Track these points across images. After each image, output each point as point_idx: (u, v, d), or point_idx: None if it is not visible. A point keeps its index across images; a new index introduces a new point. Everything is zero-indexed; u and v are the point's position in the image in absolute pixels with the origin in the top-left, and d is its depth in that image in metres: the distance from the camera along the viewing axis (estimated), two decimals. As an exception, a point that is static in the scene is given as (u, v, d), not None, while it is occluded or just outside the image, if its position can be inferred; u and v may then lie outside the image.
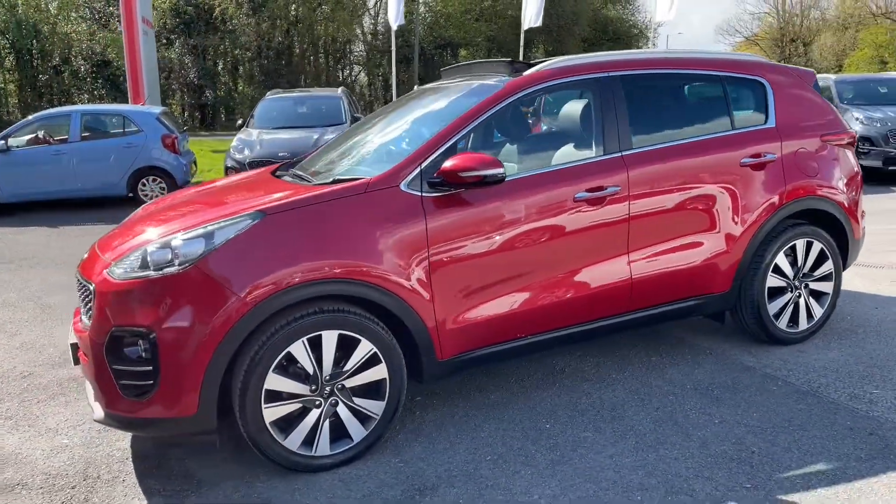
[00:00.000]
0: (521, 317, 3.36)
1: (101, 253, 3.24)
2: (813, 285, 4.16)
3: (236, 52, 30.68)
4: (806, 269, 4.11)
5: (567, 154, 3.58)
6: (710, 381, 3.72)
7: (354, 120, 10.80)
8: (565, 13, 32.70)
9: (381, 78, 35.20)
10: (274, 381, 2.89)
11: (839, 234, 4.21)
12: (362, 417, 3.07)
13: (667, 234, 3.66)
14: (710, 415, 3.35)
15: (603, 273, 3.52)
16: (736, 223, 3.82)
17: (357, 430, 3.07)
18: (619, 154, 3.54)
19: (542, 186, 3.34)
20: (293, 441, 2.97)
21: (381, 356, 3.05)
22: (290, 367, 2.93)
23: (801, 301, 4.13)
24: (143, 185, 10.65)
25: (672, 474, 2.87)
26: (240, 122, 10.88)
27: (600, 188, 3.45)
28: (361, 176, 3.24)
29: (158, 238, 3.00)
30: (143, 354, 2.83)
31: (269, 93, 11.69)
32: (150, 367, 2.82)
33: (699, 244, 3.77)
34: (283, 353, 2.88)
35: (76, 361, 3.19)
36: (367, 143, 3.96)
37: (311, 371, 2.95)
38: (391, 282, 3.04)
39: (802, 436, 3.12)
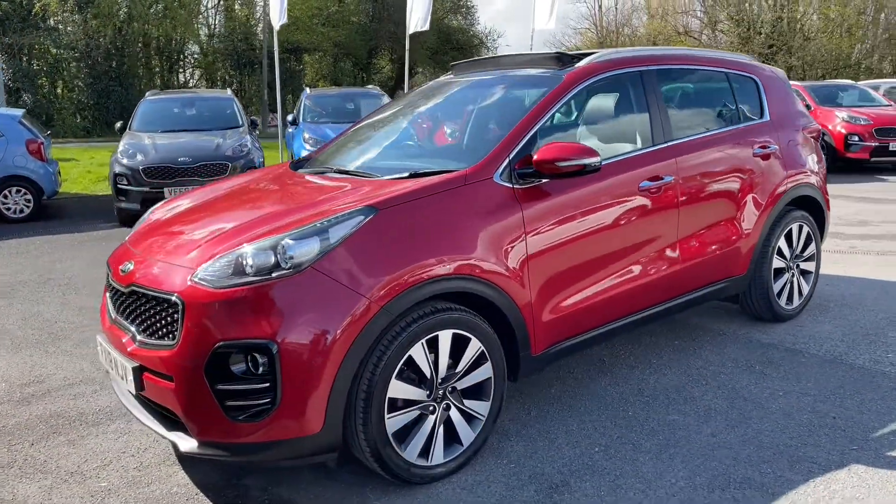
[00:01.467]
0: (600, 305, 3.37)
1: (162, 259, 2.82)
2: (802, 265, 4.55)
3: (57, 52, 27.82)
4: (798, 251, 4.49)
5: (622, 144, 3.65)
6: (746, 359, 3.95)
7: (253, 123, 10.24)
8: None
9: (220, 83, 33.55)
10: (395, 389, 2.68)
11: (819, 218, 4.65)
12: (470, 420, 2.93)
13: (705, 220, 3.85)
14: (770, 388, 3.56)
15: (663, 258, 3.63)
16: (753, 210, 4.10)
17: (466, 434, 2.92)
18: (667, 144, 3.67)
19: (614, 175, 3.38)
20: (411, 452, 2.77)
21: (487, 354, 2.92)
22: (406, 373, 2.73)
23: (794, 280, 4.51)
24: (6, 197, 9.38)
25: (781, 444, 3.01)
26: (118, 125, 9.90)
27: (658, 177, 3.56)
28: (438, 169, 3.10)
29: (251, 239, 2.67)
30: (260, 370, 2.50)
31: (148, 93, 10.76)
32: (268, 384, 2.49)
33: (728, 229, 3.99)
34: (405, 357, 2.68)
35: (140, 388, 2.74)
36: (414, 136, 3.78)
37: (427, 375, 2.77)
38: (498, 276, 2.93)
39: (862, 399, 3.41)
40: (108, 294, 3.16)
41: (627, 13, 51.10)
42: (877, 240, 6.96)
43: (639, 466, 2.90)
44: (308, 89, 11.66)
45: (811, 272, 4.63)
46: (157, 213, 3.48)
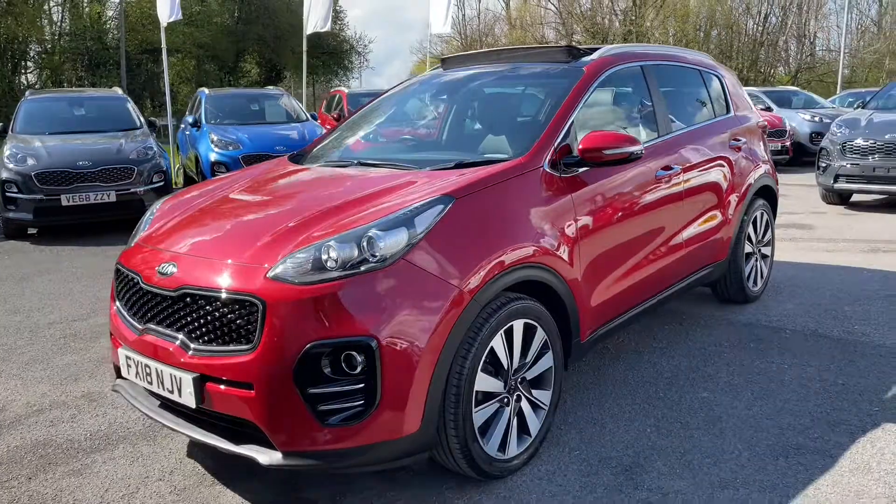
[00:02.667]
0: (629, 290, 3.47)
1: (218, 257, 2.58)
2: (763, 250, 4.91)
3: None
4: (760, 237, 4.84)
5: (636, 135, 3.76)
6: (736, 338, 4.20)
7: (150, 124, 9.55)
8: (282, 24, 32.31)
9: (67, 84, 30.94)
10: (480, 382, 2.61)
11: (773, 206, 5.03)
12: (536, 410, 2.91)
13: (700, 207, 4.05)
14: (774, 363, 3.81)
15: (674, 243, 3.79)
16: (734, 199, 4.37)
17: (534, 425, 2.89)
18: (671, 135, 3.84)
19: (638, 165, 3.48)
20: (492, 446, 2.71)
21: (549, 343, 2.92)
22: (487, 365, 2.66)
23: (758, 264, 4.85)
24: None
25: (812, 412, 3.23)
26: (-1, 125, 8.91)
27: (669, 167, 3.71)
28: (482, 160, 3.07)
29: (330, 233, 2.50)
30: (358, 369, 2.34)
31: (28, 93, 9.75)
32: (364, 384, 2.34)
33: (715, 217, 4.23)
34: (488, 349, 2.62)
35: (200, 401, 2.48)
36: (426, 128, 3.70)
37: (504, 366, 2.72)
38: (560, 263, 2.94)
39: (857, 366, 3.72)
40: (125, 303, 2.84)
41: (490, 22, 52.51)
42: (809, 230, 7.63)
43: (696, 442, 3.00)
44: (206, 90, 11.04)
45: (768, 256, 5.00)
46: (169, 210, 3.17)
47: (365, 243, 2.42)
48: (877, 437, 2.98)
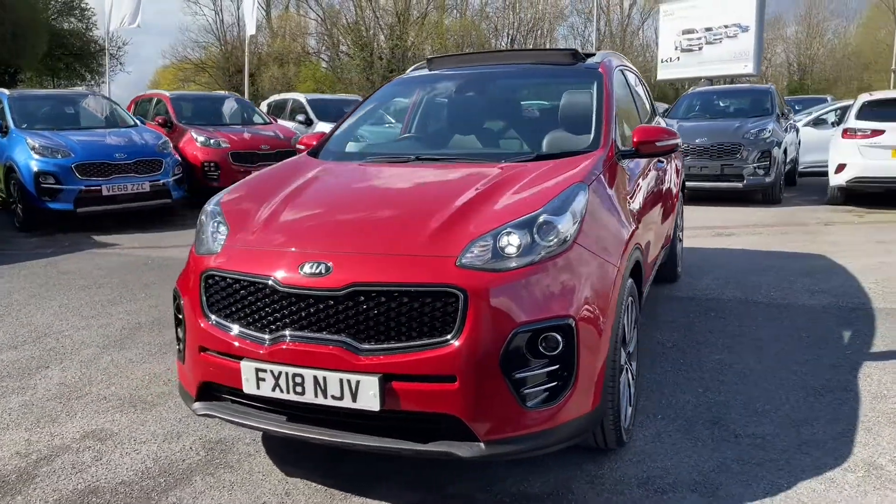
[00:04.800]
0: (652, 265, 3.86)
1: (384, 251, 2.47)
2: (680, 235, 5.63)
3: None
4: (681, 225, 5.56)
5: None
6: (693, 310, 4.80)
7: None
8: (22, 19, 28.41)
9: None
10: (619, 355, 2.79)
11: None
12: (633, 380, 3.15)
13: (666, 196, 4.58)
14: (744, 325, 4.44)
15: (661, 225, 4.25)
16: (675, 191, 4.98)
17: (633, 395, 3.13)
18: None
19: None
20: (627, 415, 2.92)
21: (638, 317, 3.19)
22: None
23: (681, 247, 5.56)
24: None
25: (815, 358, 3.85)
26: None
27: (660, 160, 4.17)
28: (560, 152, 3.26)
29: (503, 219, 2.51)
30: (559, 349, 2.40)
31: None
32: (561, 364, 2.41)
33: (673, 206, 4.79)
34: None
35: (384, 403, 2.35)
36: (476, 123, 3.76)
37: (626, 339, 2.93)
38: (644, 243, 3.24)
39: (828, 326, 4.41)
40: (238, 313, 2.57)
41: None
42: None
43: (748, 393, 3.45)
44: (6, 91, 9.50)
45: (681, 241, 5.75)
46: (242, 211, 2.90)
47: (538, 229, 2.49)
48: (870, 372, 3.68)
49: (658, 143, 3.40)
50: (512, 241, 2.44)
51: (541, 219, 2.52)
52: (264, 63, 48.63)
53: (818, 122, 12.88)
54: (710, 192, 9.89)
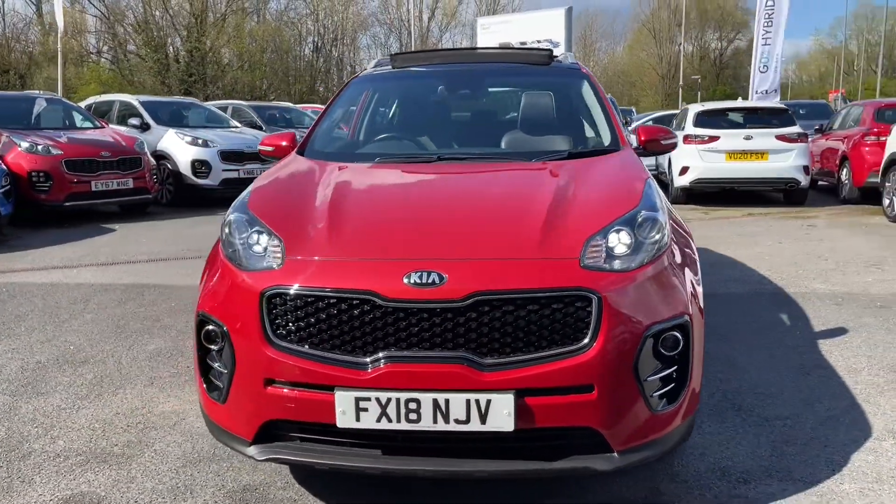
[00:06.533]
0: None
1: (494, 256, 2.25)
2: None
3: None
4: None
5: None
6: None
7: None
8: None
9: None
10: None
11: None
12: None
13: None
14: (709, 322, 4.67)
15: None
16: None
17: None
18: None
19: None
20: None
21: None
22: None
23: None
24: None
25: (808, 355, 4.14)
26: None
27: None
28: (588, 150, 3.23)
29: (603, 221, 2.39)
30: (678, 348, 2.33)
31: None
32: (679, 364, 2.36)
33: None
34: None
35: (518, 422, 2.13)
36: (473, 119, 3.58)
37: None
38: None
39: (767, 312, 4.78)
40: (327, 334, 2.21)
41: (19, 26, 45.37)
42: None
43: (748, 379, 3.63)
44: None
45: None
46: (287, 219, 2.51)
47: (638, 226, 2.42)
48: (829, 349, 4.05)
49: (663, 142, 3.48)
50: (622, 239, 2.34)
51: (641, 215, 2.44)
52: (36, 63, 43.50)
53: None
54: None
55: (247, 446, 2.33)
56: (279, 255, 2.35)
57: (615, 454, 2.22)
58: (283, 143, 3.60)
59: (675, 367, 2.33)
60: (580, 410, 2.17)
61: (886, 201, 8.91)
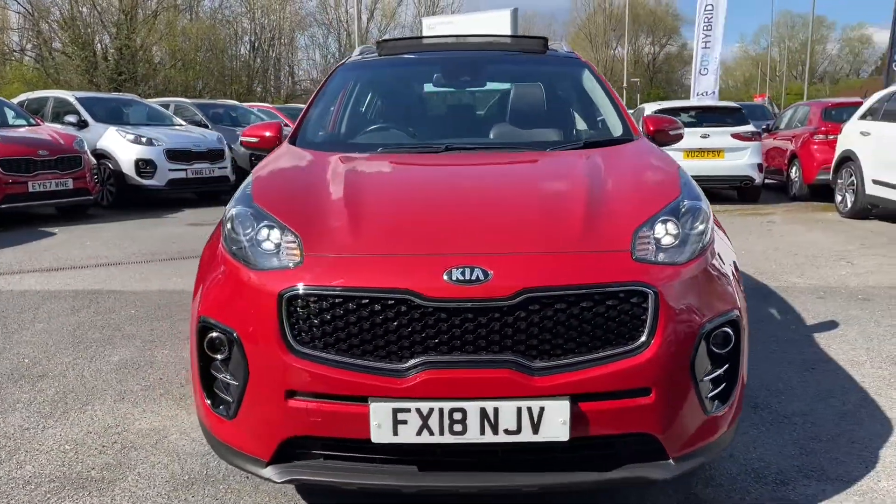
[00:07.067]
0: None
1: (540, 250, 2.06)
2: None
3: None
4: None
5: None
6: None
7: None
8: None
9: None
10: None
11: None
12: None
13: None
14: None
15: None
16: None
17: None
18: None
19: None
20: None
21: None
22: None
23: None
24: None
25: (808, 349, 4.09)
26: None
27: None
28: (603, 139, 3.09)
29: (650, 211, 2.23)
30: (730, 345, 2.19)
31: None
32: (730, 362, 2.22)
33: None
34: None
35: (573, 430, 1.95)
36: (475, 107, 3.37)
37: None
38: None
39: (754, 306, 4.71)
40: (358, 337, 1.98)
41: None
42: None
43: (755, 375, 3.54)
44: None
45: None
46: (306, 214, 2.24)
47: (682, 216, 2.27)
48: (828, 342, 4.02)
49: (671, 132, 3.37)
50: (670, 230, 2.18)
51: (684, 205, 2.29)
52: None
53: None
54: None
55: (263, 467, 2.08)
56: (296, 252, 2.10)
57: (671, 461, 2.07)
58: (268, 134, 3.33)
59: (726, 366, 2.19)
60: (637, 415, 2.00)
61: (839, 198, 9.12)
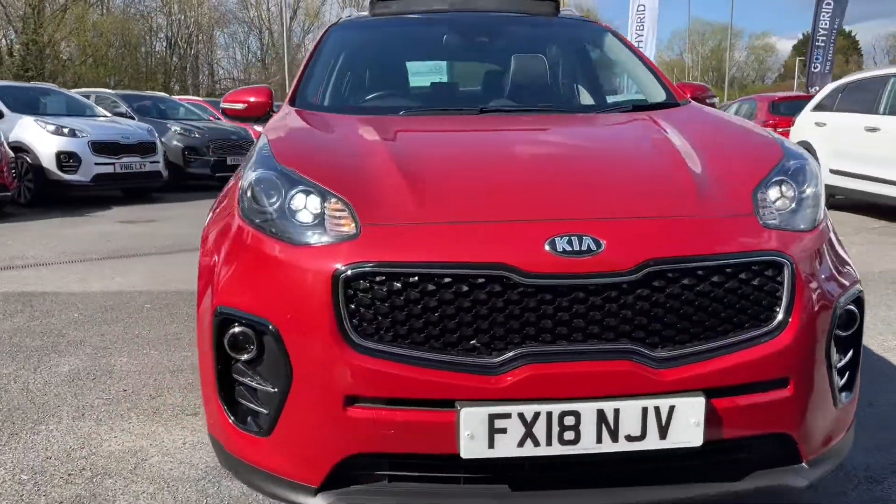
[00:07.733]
0: None
1: (654, 214, 1.70)
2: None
3: None
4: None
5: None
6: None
7: None
8: None
9: None
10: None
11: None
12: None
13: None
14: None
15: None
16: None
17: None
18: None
19: None
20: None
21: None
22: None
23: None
24: None
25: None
26: None
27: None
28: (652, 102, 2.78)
29: (750, 169, 1.90)
30: (855, 325, 1.86)
31: None
32: (854, 345, 1.90)
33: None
34: None
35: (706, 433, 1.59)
36: (512, 74, 2.97)
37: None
38: None
39: None
40: (462, 323, 1.55)
41: None
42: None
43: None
44: None
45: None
46: (353, 172, 1.80)
47: (792, 177, 1.94)
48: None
49: (707, 101, 3.08)
50: (786, 193, 1.85)
51: (791, 164, 1.96)
52: None
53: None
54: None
55: (312, 495, 1.63)
56: (348, 221, 1.65)
57: (804, 464, 1.74)
58: (254, 99, 2.85)
59: (851, 350, 1.88)
60: (774, 411, 1.67)
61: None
